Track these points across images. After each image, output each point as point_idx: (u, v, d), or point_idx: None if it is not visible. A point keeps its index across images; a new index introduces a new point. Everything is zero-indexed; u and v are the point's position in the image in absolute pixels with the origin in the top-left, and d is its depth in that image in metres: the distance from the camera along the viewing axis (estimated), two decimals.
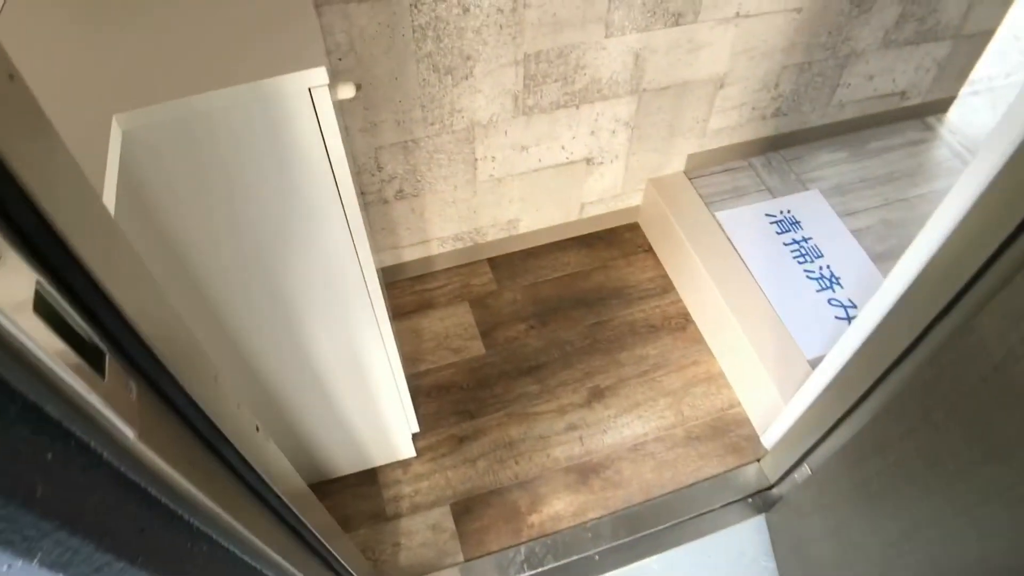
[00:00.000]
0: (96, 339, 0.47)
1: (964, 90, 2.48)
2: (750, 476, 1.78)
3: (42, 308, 0.41)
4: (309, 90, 0.86)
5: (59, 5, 0.98)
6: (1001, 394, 0.98)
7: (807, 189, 2.16)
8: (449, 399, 1.89)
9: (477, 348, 2.00)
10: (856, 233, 2.04)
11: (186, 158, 0.89)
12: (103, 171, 0.74)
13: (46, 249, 0.41)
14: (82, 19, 0.96)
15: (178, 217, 0.96)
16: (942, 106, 2.47)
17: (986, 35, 2.26)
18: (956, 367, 1.08)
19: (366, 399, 1.48)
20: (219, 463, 0.69)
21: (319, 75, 0.84)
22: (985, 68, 2.62)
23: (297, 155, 0.93)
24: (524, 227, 2.17)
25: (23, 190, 0.38)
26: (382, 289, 1.25)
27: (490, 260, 2.21)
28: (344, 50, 1.51)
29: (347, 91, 0.94)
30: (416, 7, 1.49)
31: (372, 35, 1.51)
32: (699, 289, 2.00)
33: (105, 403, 0.46)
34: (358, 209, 1.04)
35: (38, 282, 0.41)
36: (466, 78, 1.66)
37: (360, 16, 1.47)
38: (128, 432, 0.49)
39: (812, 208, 2.11)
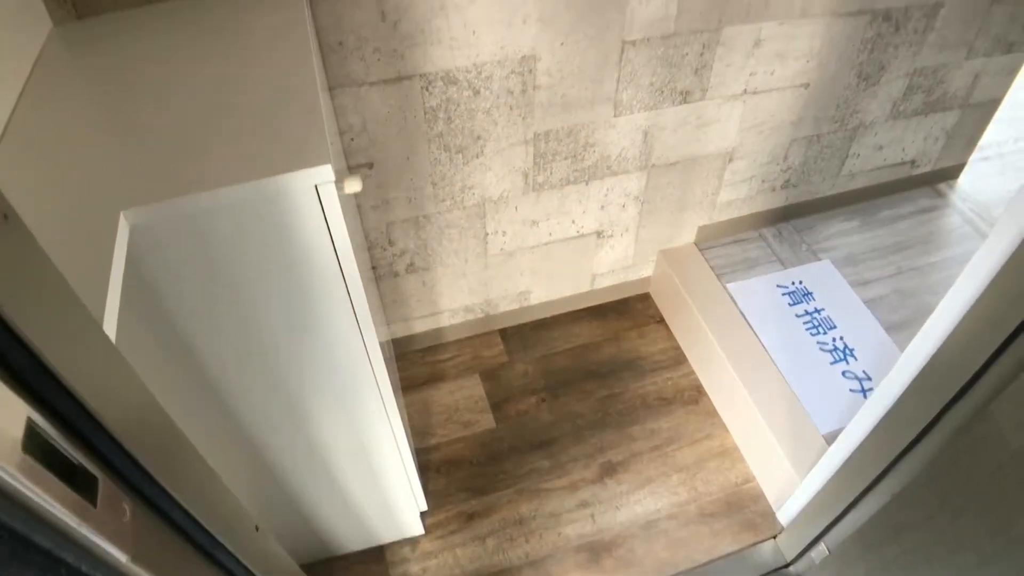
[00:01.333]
0: (89, 466, 0.47)
1: (974, 156, 2.49)
2: (766, 554, 1.73)
3: (33, 442, 0.41)
4: (316, 187, 0.87)
5: (70, 100, 1.01)
6: (1020, 483, 0.95)
7: (818, 259, 2.16)
8: (458, 474, 1.87)
9: (487, 422, 1.98)
10: (869, 303, 2.03)
11: (192, 252, 0.91)
12: (109, 266, 0.75)
13: (39, 384, 0.42)
14: (92, 113, 0.99)
15: (183, 306, 0.97)
16: (952, 173, 2.48)
17: (993, 103, 2.28)
18: (973, 453, 1.06)
19: (373, 479, 1.47)
20: (217, 569, 0.68)
21: (325, 173, 0.85)
22: (994, 134, 2.63)
23: (303, 249, 0.94)
24: (535, 298, 2.17)
25: (15, 333, 0.38)
26: (389, 373, 1.25)
27: (501, 331, 2.21)
28: (357, 131, 1.54)
29: (354, 185, 0.96)
30: (427, 90, 1.52)
31: (385, 116, 1.54)
32: (711, 361, 1.99)
33: (96, 531, 0.45)
34: (365, 300, 1.05)
35: (29, 418, 0.41)
36: (477, 156, 1.69)
37: (373, 98, 1.50)
38: (120, 556, 0.48)
39: (824, 278, 2.10)
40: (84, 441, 0.47)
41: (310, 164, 0.85)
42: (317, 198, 0.89)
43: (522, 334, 2.20)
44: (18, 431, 0.39)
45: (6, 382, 0.39)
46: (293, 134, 0.91)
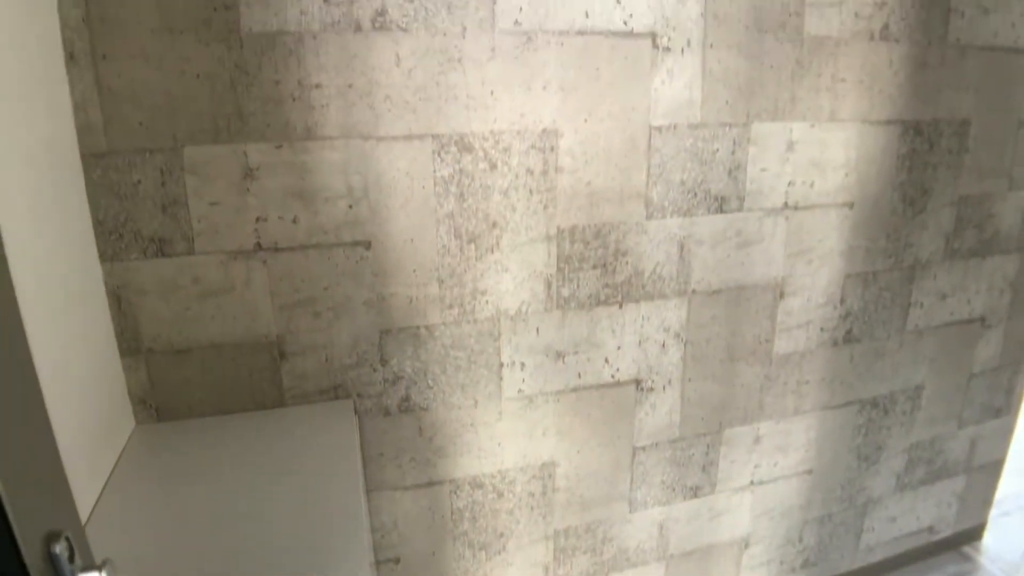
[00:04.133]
0: None
1: (993, 513, 2.49)
2: None
3: None
4: None
5: (143, 500, 1.15)
6: None
7: None
8: None
9: None
10: None
11: None
12: None
13: None
14: (162, 515, 1.12)
15: None
16: (975, 534, 2.48)
17: (997, 464, 2.35)
18: None
19: None
20: None
21: None
22: (1009, 487, 2.62)
23: None
24: None
25: None
26: None
27: None
28: (387, 528, 1.65)
29: None
30: (455, 493, 1.65)
31: (415, 516, 1.65)
32: None
33: None
34: None
35: None
36: (499, 553, 1.76)
37: (405, 500, 1.63)
38: None
39: None
40: None
41: None
42: None
43: None
44: None
45: None
46: (333, 547, 1.02)
